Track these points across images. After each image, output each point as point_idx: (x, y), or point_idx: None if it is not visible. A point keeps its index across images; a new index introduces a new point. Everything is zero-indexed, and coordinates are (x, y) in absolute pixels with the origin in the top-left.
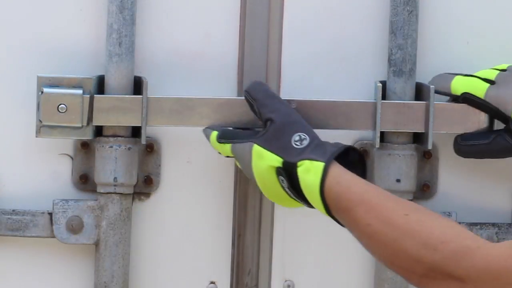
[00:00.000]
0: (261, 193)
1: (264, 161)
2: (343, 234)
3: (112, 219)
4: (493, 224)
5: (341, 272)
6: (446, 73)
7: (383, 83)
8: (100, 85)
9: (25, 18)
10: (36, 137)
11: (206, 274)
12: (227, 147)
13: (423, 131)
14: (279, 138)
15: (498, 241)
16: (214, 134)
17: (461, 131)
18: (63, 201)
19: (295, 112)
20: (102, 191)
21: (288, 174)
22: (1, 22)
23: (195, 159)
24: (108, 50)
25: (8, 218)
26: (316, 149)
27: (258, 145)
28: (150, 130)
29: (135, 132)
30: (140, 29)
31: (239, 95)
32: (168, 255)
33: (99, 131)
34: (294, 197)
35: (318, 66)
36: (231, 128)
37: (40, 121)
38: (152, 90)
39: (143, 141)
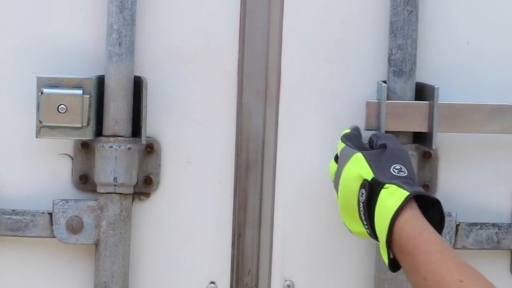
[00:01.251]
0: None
1: (357, 168)
2: (343, 234)
3: (112, 219)
4: (493, 224)
5: (341, 272)
6: None
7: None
8: (100, 85)
9: (25, 19)
10: (36, 137)
11: (206, 274)
12: (341, 146)
13: (426, 131)
14: (382, 160)
15: (498, 241)
16: (345, 131)
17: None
18: (63, 201)
19: (407, 151)
20: (102, 191)
21: (370, 191)
22: (1, 23)
23: (195, 159)
24: (108, 50)
25: (8, 218)
26: (407, 184)
27: (362, 154)
28: (150, 130)
29: (135, 132)
30: (140, 29)
31: (238, 95)
32: (168, 255)
33: (99, 131)
34: (361, 215)
35: (318, 66)
36: (356, 134)
37: (40, 121)
38: (152, 90)
39: (143, 141)
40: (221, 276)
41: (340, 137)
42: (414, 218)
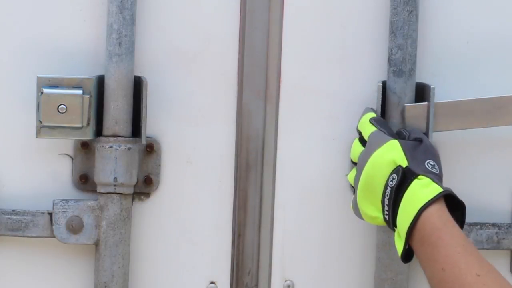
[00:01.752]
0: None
1: (392, 154)
2: (343, 234)
3: (112, 219)
4: (493, 224)
5: (341, 272)
6: None
7: (383, 83)
8: (100, 85)
9: (25, 18)
10: (36, 137)
11: (206, 274)
12: (370, 129)
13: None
14: (418, 152)
15: (498, 241)
16: (371, 114)
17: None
18: (63, 201)
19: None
20: (102, 191)
21: (402, 178)
22: (1, 23)
23: (195, 159)
24: (108, 50)
25: (8, 218)
26: (439, 181)
27: (399, 142)
28: (150, 130)
29: (135, 132)
30: (140, 29)
31: (238, 95)
32: (168, 255)
33: (99, 131)
34: (384, 199)
35: (318, 66)
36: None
37: (40, 121)
38: (152, 90)
39: (143, 141)
40: (221, 276)
41: (367, 119)
42: (442, 211)
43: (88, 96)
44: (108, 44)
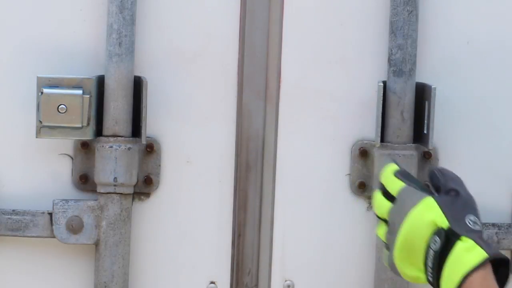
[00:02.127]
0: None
1: (431, 214)
2: (343, 234)
3: (112, 219)
4: (493, 224)
5: (341, 272)
6: None
7: (384, 83)
8: (100, 85)
9: (25, 18)
10: (36, 137)
11: (206, 274)
12: (399, 184)
13: (425, 132)
14: (456, 208)
15: (498, 241)
16: (394, 167)
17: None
18: (63, 201)
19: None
20: (102, 191)
21: (445, 240)
22: (1, 23)
23: (195, 159)
24: (108, 50)
25: (8, 218)
26: (483, 240)
27: (435, 200)
28: (150, 130)
29: (135, 132)
30: (140, 29)
31: (239, 95)
32: (168, 255)
33: (99, 131)
34: (428, 262)
35: (318, 66)
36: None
37: (40, 121)
38: (152, 90)
39: (143, 141)
40: (221, 276)
41: (391, 172)
42: (484, 279)
43: (88, 96)
44: (108, 44)
